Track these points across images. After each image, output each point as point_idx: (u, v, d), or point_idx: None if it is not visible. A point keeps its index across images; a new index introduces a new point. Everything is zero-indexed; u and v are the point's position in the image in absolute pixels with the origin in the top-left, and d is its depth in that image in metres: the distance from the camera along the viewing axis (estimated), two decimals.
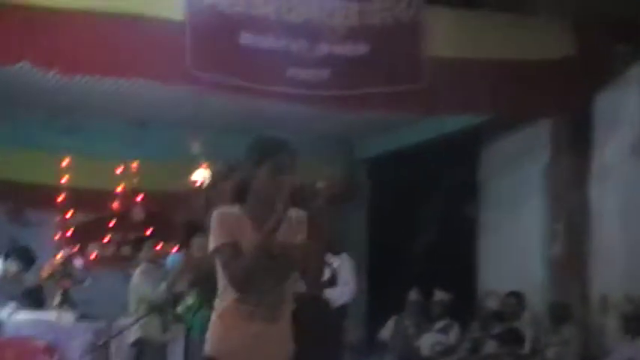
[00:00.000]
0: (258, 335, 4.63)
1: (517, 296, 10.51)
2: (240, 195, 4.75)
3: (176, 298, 8.52)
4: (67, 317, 9.76)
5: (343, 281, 8.99)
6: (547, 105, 10.08)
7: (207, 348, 4.71)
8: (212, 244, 4.62)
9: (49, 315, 9.81)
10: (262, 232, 4.49)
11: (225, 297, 4.67)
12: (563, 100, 10.00)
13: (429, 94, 9.44)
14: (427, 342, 11.17)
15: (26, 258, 10.32)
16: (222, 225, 4.65)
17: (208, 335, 4.76)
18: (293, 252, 4.65)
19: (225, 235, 4.60)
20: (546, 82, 9.74)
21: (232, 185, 4.97)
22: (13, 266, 10.12)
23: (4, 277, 10.12)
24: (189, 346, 7.73)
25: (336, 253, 8.97)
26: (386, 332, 11.70)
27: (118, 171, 11.11)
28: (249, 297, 4.60)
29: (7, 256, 10.23)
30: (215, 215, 4.71)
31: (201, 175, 11.48)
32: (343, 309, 8.56)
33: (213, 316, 4.78)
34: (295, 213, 4.69)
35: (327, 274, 8.66)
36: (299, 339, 4.85)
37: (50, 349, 8.04)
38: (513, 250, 11.43)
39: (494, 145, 11.98)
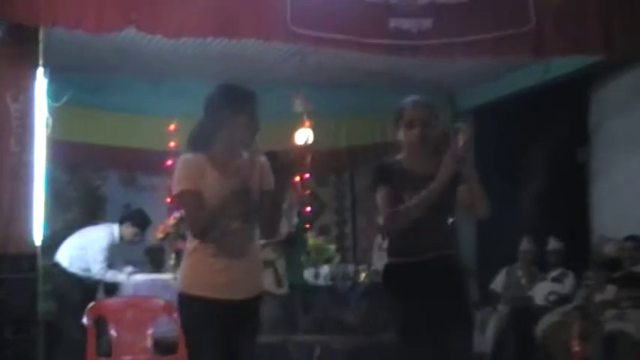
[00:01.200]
0: (224, 270, 5.01)
1: (635, 240, 10.32)
2: (202, 142, 5.11)
3: None
4: None
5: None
6: None
7: (179, 285, 5.16)
8: (175, 189, 5.02)
9: (165, 276, 10.23)
10: (235, 176, 4.90)
11: (191, 238, 5.08)
12: None
13: (537, 37, 9.31)
14: (541, 292, 11.13)
15: (141, 221, 10.74)
16: (186, 171, 5.00)
17: (180, 274, 5.28)
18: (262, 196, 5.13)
19: (187, 183, 4.97)
20: None
21: (195, 133, 5.28)
22: (129, 230, 10.41)
23: (121, 241, 10.42)
24: None
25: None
26: (498, 283, 11.76)
27: None
28: (213, 238, 4.97)
29: (122, 221, 10.54)
30: (180, 161, 5.08)
31: (304, 135, 11.53)
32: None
33: (184, 256, 5.19)
34: (262, 159, 5.20)
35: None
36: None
37: (169, 307, 8.11)
38: (628, 193, 11.30)
39: (606, 86, 11.79)
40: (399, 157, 5.51)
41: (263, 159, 5.24)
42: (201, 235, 4.98)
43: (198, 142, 5.16)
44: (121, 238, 10.38)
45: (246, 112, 5.06)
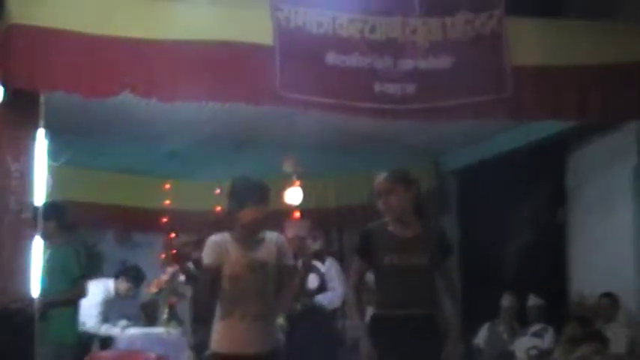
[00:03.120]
0: (248, 330, 5.84)
1: (610, 297, 10.39)
2: (228, 225, 5.98)
3: None
4: (175, 332, 10.20)
5: (331, 287, 9.46)
6: (633, 108, 9.84)
7: (212, 346, 5.94)
8: (204, 261, 5.95)
9: (158, 330, 10.32)
10: (256, 251, 5.89)
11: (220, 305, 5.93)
12: None
13: (514, 103, 9.37)
14: (522, 346, 11.18)
15: (136, 276, 10.86)
16: (210, 250, 5.92)
17: (212, 336, 5.95)
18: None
19: (210, 259, 5.90)
20: (632, 85, 9.58)
21: (224, 216, 6.29)
22: (124, 285, 10.48)
23: (116, 295, 10.46)
24: None
25: (322, 260, 9.68)
26: (481, 338, 11.81)
27: (217, 192, 11.07)
28: (238, 307, 5.83)
29: (117, 276, 10.59)
30: (207, 241, 5.98)
31: (294, 193, 11.56)
32: (334, 312, 9.06)
33: (215, 320, 5.95)
34: (274, 236, 6.08)
35: (316, 282, 9.50)
36: (299, 342, 6.47)
37: None
38: (604, 252, 11.29)
39: (582, 150, 11.87)
40: (385, 220, 5.96)
41: (281, 237, 6.14)
42: (218, 310, 5.91)
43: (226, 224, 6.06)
44: (116, 292, 10.46)
45: (254, 199, 5.88)
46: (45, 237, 8.85)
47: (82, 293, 9.12)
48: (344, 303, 9.35)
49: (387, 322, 5.88)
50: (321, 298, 9.24)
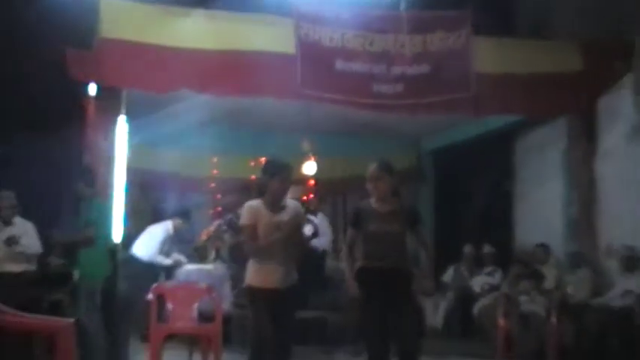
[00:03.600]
0: (273, 271, 5.84)
1: (543, 246, 10.51)
2: (261, 193, 5.95)
3: None
4: (220, 268, 10.07)
5: (322, 233, 9.53)
6: (564, 106, 10.01)
7: (247, 280, 5.95)
8: (241, 222, 5.97)
9: (208, 266, 10.15)
10: (280, 215, 5.83)
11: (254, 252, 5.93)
12: (576, 102, 9.93)
13: (476, 100, 9.47)
14: (478, 282, 11.26)
15: (184, 213, 10.56)
16: (247, 213, 5.89)
17: (248, 273, 5.95)
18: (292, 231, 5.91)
19: (247, 220, 5.87)
20: (563, 89, 9.69)
21: (256, 186, 6.31)
22: (177, 222, 10.32)
23: (174, 231, 10.34)
24: None
25: (314, 213, 9.71)
26: (447, 276, 11.79)
27: (252, 164, 11.19)
28: (267, 254, 5.82)
29: (171, 217, 10.46)
30: (245, 205, 5.98)
31: (310, 166, 11.56)
32: (324, 252, 8.79)
33: (250, 262, 5.95)
34: (294, 204, 6.06)
35: (311, 231, 9.52)
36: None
37: (210, 289, 8.14)
38: (540, 213, 11.41)
39: (524, 137, 11.91)
40: (371, 199, 6.07)
41: (299, 205, 6.15)
42: (252, 256, 5.87)
43: (258, 192, 6.07)
44: (174, 229, 10.32)
45: (281, 176, 5.87)
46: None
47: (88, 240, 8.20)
48: (331, 246, 9.35)
49: (370, 271, 5.98)
50: (315, 242, 9.32)
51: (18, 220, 8.50)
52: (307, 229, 9.41)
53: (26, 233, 8.48)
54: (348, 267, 6.06)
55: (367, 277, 5.95)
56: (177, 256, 10.43)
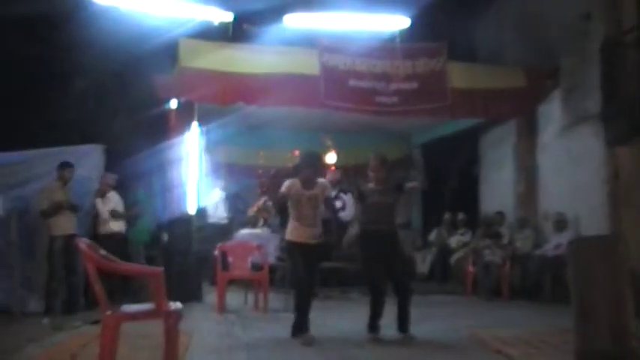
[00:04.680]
0: (306, 231, 5.84)
1: (500, 213, 10.59)
2: (295, 175, 5.95)
3: None
4: (267, 232, 10.13)
5: (348, 208, 9.25)
6: (513, 112, 10.14)
7: (286, 237, 5.97)
8: (280, 190, 5.88)
9: (258, 231, 10.23)
10: (311, 189, 5.79)
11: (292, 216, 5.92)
12: (521, 109, 10.06)
13: (451, 108, 9.54)
14: (454, 240, 11.31)
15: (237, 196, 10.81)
16: (286, 186, 5.84)
17: (287, 231, 5.95)
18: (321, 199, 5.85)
19: (284, 190, 5.83)
20: (512, 100, 9.81)
21: (294, 169, 6.27)
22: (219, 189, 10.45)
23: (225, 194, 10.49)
24: None
25: (346, 192, 9.40)
26: (432, 236, 11.82)
27: (287, 156, 11.05)
28: (301, 218, 5.82)
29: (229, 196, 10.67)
30: (286, 182, 5.91)
31: (331, 156, 11.60)
32: (347, 223, 8.50)
33: (289, 223, 5.93)
34: (322, 181, 6.02)
35: (340, 205, 9.20)
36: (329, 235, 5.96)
37: (259, 247, 8.19)
38: (497, 190, 11.47)
39: (486, 134, 11.91)
40: (369, 182, 6.12)
41: (325, 182, 6.18)
42: (278, 212, 6.20)
43: (295, 172, 6.14)
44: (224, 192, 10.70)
45: (312, 162, 5.98)
46: None
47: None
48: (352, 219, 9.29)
49: (368, 232, 5.93)
50: (342, 214, 9.13)
51: (111, 194, 8.33)
52: (338, 203, 9.26)
53: (117, 204, 8.39)
54: (354, 229, 6.14)
55: (366, 235, 5.94)
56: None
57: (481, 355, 5.25)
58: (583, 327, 3.00)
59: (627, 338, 2.93)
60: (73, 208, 7.66)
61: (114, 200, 8.39)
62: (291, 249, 5.97)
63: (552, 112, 9.84)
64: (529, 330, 6.16)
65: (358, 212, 6.25)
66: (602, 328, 2.93)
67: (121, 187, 8.58)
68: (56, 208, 7.51)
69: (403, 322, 5.83)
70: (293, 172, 6.24)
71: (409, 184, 6.13)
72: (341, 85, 9.12)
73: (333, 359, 5.17)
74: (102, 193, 8.27)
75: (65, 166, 7.64)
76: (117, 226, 8.37)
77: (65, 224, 7.54)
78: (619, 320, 2.94)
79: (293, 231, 5.95)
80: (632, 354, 2.95)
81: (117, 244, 7.82)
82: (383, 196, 5.98)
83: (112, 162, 8.43)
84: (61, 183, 7.66)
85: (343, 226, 8.61)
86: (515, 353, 5.09)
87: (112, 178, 8.38)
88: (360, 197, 6.09)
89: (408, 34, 9.98)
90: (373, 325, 5.87)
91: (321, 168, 6.23)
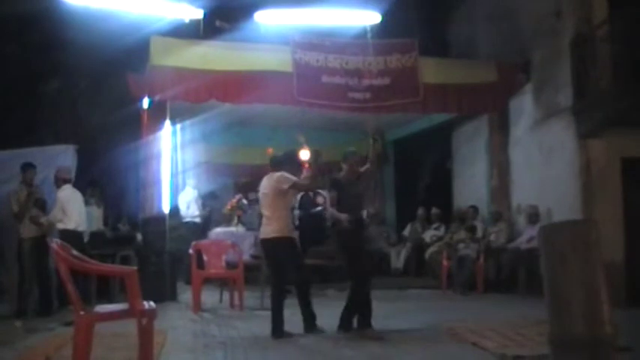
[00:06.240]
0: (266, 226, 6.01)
1: (474, 207, 10.65)
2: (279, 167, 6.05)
3: None
4: (241, 230, 10.08)
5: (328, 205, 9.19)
6: (485, 106, 10.18)
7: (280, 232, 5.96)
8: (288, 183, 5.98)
9: (232, 229, 10.18)
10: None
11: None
12: (493, 104, 10.08)
13: (423, 103, 9.57)
14: (428, 235, 11.34)
15: (212, 193, 10.86)
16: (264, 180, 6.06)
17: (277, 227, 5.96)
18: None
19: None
20: (484, 95, 9.87)
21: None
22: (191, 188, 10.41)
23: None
24: None
25: (323, 189, 9.09)
26: (406, 231, 11.87)
27: (262, 153, 10.74)
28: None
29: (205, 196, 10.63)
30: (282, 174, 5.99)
31: (304, 153, 11.55)
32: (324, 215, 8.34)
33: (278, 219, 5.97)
34: (276, 175, 6.03)
35: (321, 201, 9.30)
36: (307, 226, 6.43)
37: (234, 245, 8.21)
38: (471, 184, 11.52)
39: (459, 129, 11.96)
40: (342, 173, 6.20)
41: (277, 175, 6.10)
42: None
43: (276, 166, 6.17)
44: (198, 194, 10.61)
45: (288, 162, 6.23)
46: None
47: None
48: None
49: (355, 222, 6.01)
50: (320, 208, 9.20)
51: (66, 187, 7.71)
52: (320, 200, 9.30)
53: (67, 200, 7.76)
54: (334, 215, 6.10)
55: (350, 223, 6.00)
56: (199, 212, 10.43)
57: (457, 348, 5.27)
58: (557, 313, 2.99)
59: (602, 324, 2.94)
60: (37, 202, 7.48)
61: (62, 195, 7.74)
62: (262, 247, 6.25)
63: (524, 107, 9.89)
64: (504, 322, 6.21)
65: (331, 201, 6.24)
66: (576, 315, 2.93)
67: (95, 186, 8.44)
68: (24, 211, 7.41)
69: (366, 317, 5.90)
70: (273, 168, 6.19)
71: (362, 168, 6.21)
72: (314, 82, 9.08)
73: (310, 356, 5.16)
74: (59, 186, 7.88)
75: (27, 167, 7.57)
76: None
77: (33, 225, 7.44)
78: (593, 306, 2.94)
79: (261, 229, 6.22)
80: (608, 340, 2.97)
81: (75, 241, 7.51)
82: (356, 187, 6.14)
83: (85, 161, 8.31)
84: (25, 185, 7.56)
85: (322, 217, 8.64)
86: (491, 345, 5.13)
87: (66, 170, 7.92)
88: (337, 187, 6.14)
89: (380, 30, 9.92)
90: (349, 321, 5.89)
91: (299, 165, 6.31)
